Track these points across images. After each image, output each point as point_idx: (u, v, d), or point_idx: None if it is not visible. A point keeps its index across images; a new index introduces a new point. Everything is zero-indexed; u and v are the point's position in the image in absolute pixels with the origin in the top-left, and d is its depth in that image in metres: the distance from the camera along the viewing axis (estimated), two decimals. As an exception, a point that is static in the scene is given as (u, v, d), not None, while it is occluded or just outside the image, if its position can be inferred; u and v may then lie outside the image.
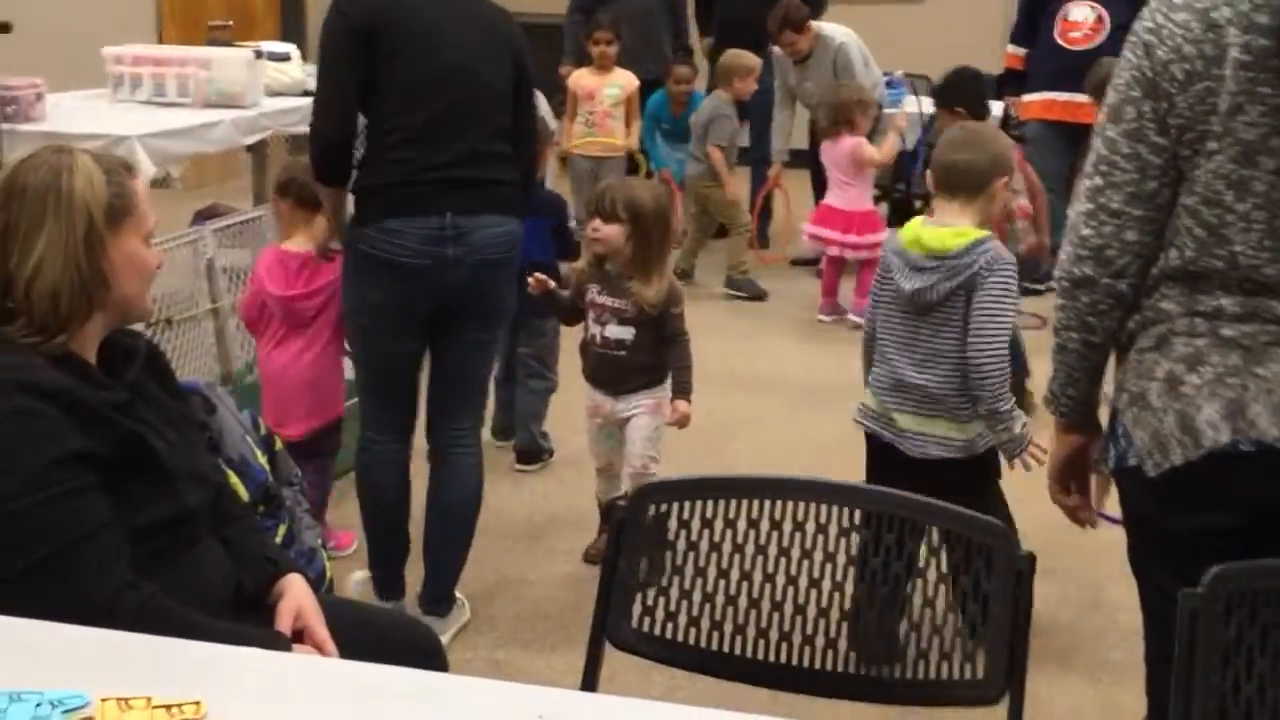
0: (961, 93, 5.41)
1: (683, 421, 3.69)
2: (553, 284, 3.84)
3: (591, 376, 3.83)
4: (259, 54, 5.27)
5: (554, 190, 5.08)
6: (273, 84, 5.39)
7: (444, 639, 3.28)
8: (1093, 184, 1.90)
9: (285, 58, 5.50)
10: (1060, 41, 6.66)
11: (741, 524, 1.94)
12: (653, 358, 3.73)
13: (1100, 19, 6.60)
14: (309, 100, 5.46)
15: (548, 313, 4.16)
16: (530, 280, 3.77)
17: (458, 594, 3.51)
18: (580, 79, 6.94)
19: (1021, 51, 6.98)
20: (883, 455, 3.30)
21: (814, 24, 7.05)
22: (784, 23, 6.95)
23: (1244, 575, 1.69)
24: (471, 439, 3.42)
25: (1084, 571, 3.82)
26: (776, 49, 7.15)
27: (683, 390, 3.69)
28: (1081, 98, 6.60)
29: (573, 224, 4.78)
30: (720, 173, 6.86)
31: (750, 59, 6.96)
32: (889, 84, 7.60)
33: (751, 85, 6.96)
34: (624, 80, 6.94)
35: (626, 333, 3.70)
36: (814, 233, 6.58)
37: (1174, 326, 1.88)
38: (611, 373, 3.74)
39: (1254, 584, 1.68)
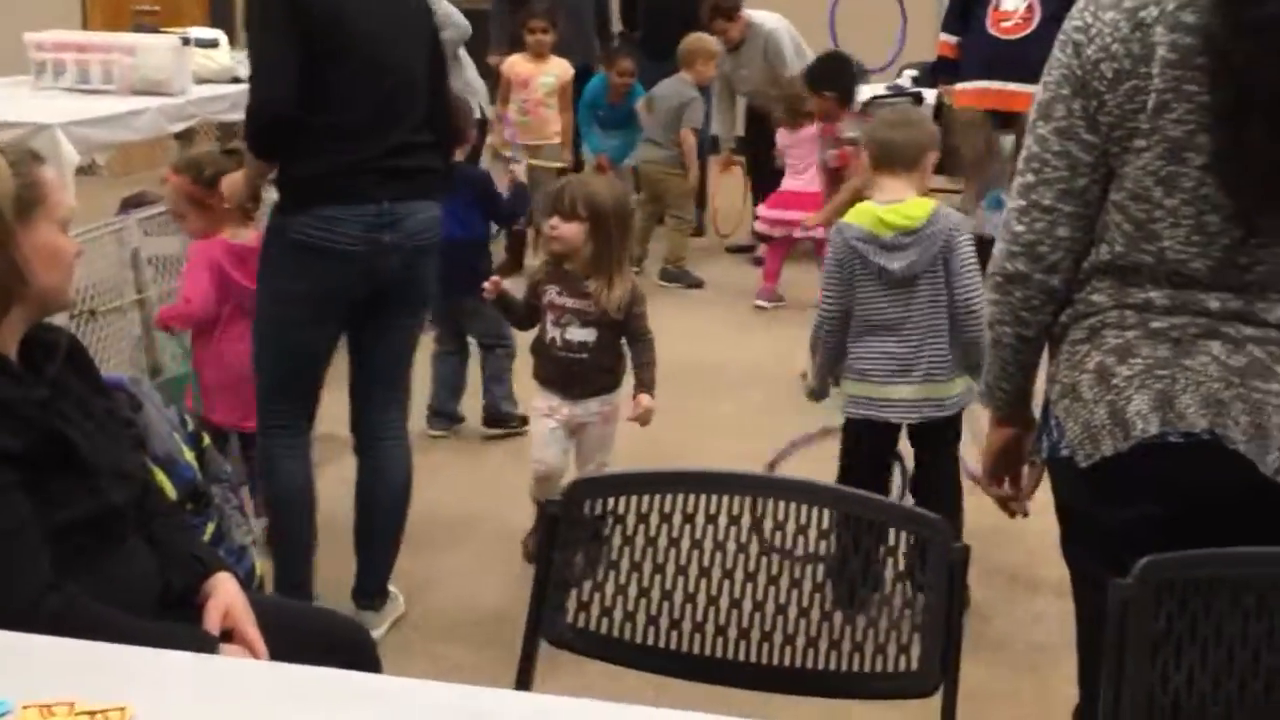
0: (830, 77, 5.43)
1: (645, 417, 3.59)
2: (505, 286, 3.74)
3: (547, 379, 3.70)
4: (186, 40, 5.19)
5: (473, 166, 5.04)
6: (200, 71, 5.32)
7: (378, 633, 3.27)
8: (1024, 181, 1.91)
9: (213, 44, 5.43)
10: (992, 31, 6.70)
11: (677, 518, 1.93)
12: (613, 360, 3.65)
13: (1031, 8, 6.64)
14: (238, 87, 5.43)
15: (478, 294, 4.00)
16: (485, 286, 3.70)
17: (390, 587, 3.48)
18: (514, 66, 6.88)
19: (954, 39, 7.02)
20: (871, 436, 3.53)
21: (745, 11, 7.05)
22: (715, 10, 6.96)
23: (1174, 565, 1.70)
24: (400, 427, 3.40)
25: (1020, 556, 3.85)
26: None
27: (646, 386, 3.59)
28: (1014, 86, 6.67)
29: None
30: (689, 159, 6.86)
31: (712, 42, 6.96)
32: None
33: (713, 69, 6.96)
34: (559, 69, 6.90)
35: (588, 335, 3.59)
36: (775, 217, 6.62)
37: (1105, 319, 1.90)
38: (571, 376, 3.63)
39: (1183, 574, 1.70)
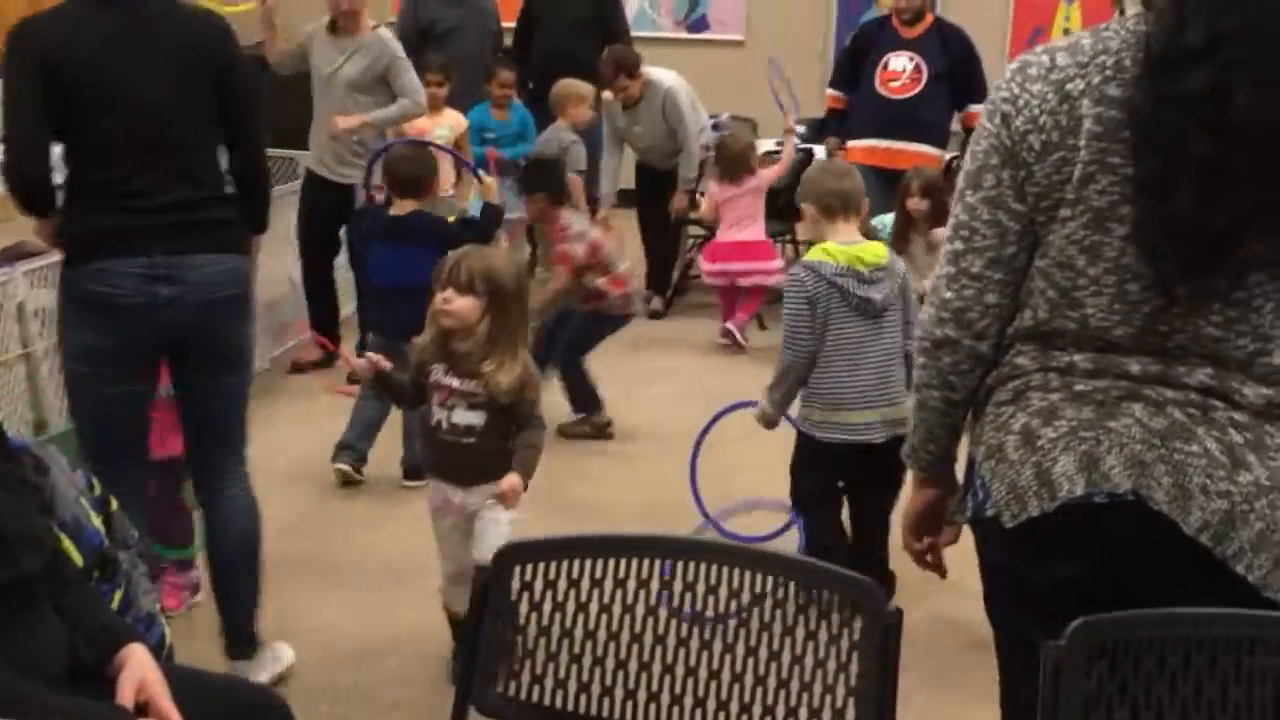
0: (541, 181, 5.63)
1: (509, 499, 3.22)
2: (386, 365, 3.45)
3: (435, 466, 3.42)
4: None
5: (442, 218, 4.97)
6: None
7: (263, 678, 3.23)
8: (953, 248, 1.94)
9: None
10: (881, 90, 6.86)
11: (608, 583, 1.91)
12: (504, 443, 3.31)
13: (919, 68, 6.80)
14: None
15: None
16: (364, 361, 3.49)
17: (277, 641, 3.47)
18: (409, 119, 6.82)
19: (841, 95, 7.16)
20: (835, 459, 3.83)
21: (643, 69, 7.11)
22: (619, 68, 7.00)
23: (1105, 627, 1.73)
24: (241, 477, 3.36)
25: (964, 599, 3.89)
26: (606, 93, 7.19)
27: (521, 466, 3.25)
28: (900, 145, 6.83)
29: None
30: (579, 202, 6.87)
31: (583, 85, 6.98)
32: (715, 126, 7.71)
33: (587, 112, 6.97)
34: (453, 121, 6.87)
35: (476, 418, 3.27)
36: (718, 269, 6.85)
37: (1030, 381, 1.93)
38: (460, 462, 3.32)
39: (1115, 635, 1.73)
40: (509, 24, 7.96)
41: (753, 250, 6.82)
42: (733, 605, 1.92)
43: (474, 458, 3.28)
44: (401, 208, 4.75)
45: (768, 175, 6.89)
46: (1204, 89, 1.72)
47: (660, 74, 7.20)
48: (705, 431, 4.47)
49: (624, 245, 7.55)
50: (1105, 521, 1.86)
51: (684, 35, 10.06)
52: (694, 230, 7.81)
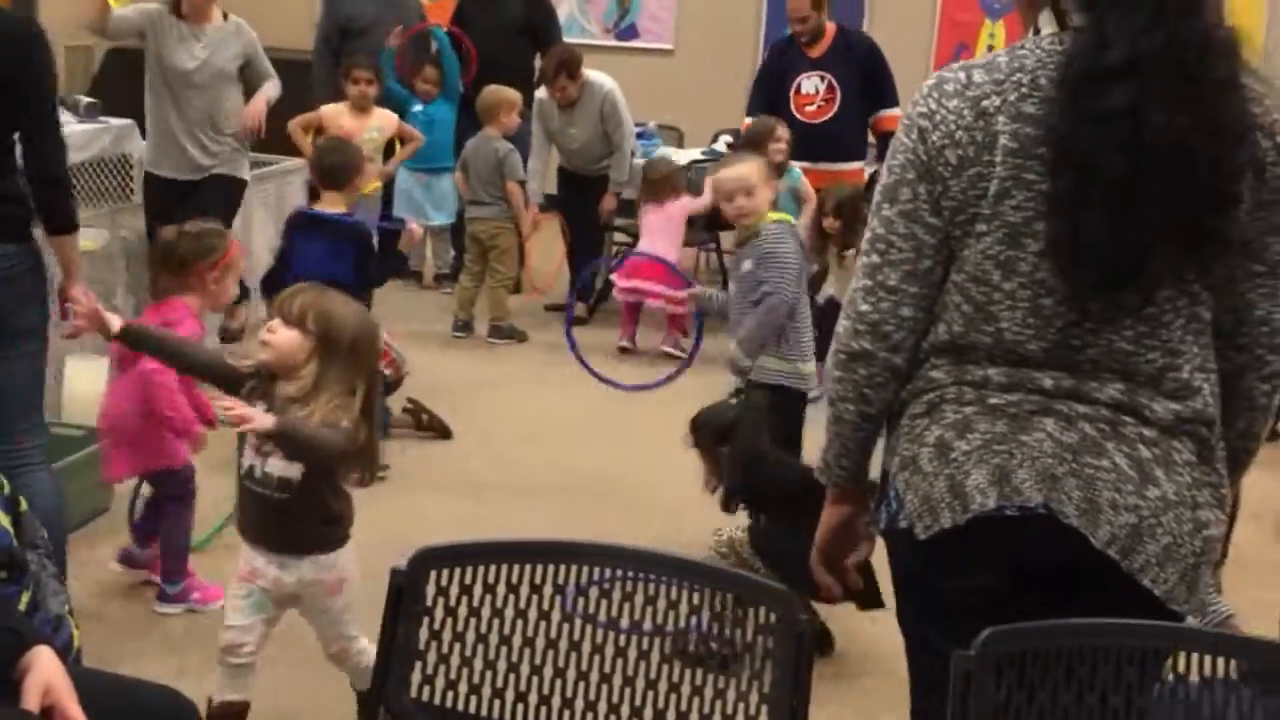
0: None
1: (243, 421, 2.75)
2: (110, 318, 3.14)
3: (247, 527, 2.98)
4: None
5: (361, 221, 4.98)
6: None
7: None
8: (869, 261, 1.96)
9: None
10: (798, 115, 6.83)
11: (524, 589, 1.91)
12: (325, 509, 2.93)
13: (831, 87, 6.80)
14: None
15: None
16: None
17: None
18: (337, 118, 6.74)
19: None
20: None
21: (583, 70, 7.09)
22: (560, 68, 6.96)
23: (1014, 637, 1.76)
24: (40, 453, 3.40)
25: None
26: (540, 93, 7.17)
27: (296, 426, 2.81)
28: (825, 165, 6.78)
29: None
30: (519, 213, 6.86)
31: (512, 93, 6.94)
32: (640, 134, 7.72)
33: (516, 120, 6.94)
34: (383, 121, 6.81)
35: (293, 471, 2.87)
36: (633, 286, 6.77)
37: (944, 394, 1.95)
38: (271, 523, 2.91)
39: (1023, 645, 1.76)
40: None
41: (662, 271, 6.66)
42: (649, 613, 1.93)
43: (288, 521, 2.90)
44: (327, 202, 4.75)
45: (693, 204, 6.69)
46: (1123, 106, 1.75)
47: (598, 76, 7.19)
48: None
49: (549, 249, 7.62)
50: (1016, 534, 1.89)
51: (613, 43, 10.04)
52: (619, 237, 7.82)
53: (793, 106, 6.85)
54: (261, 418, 2.77)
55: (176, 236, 3.82)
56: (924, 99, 1.92)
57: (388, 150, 6.96)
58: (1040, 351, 1.88)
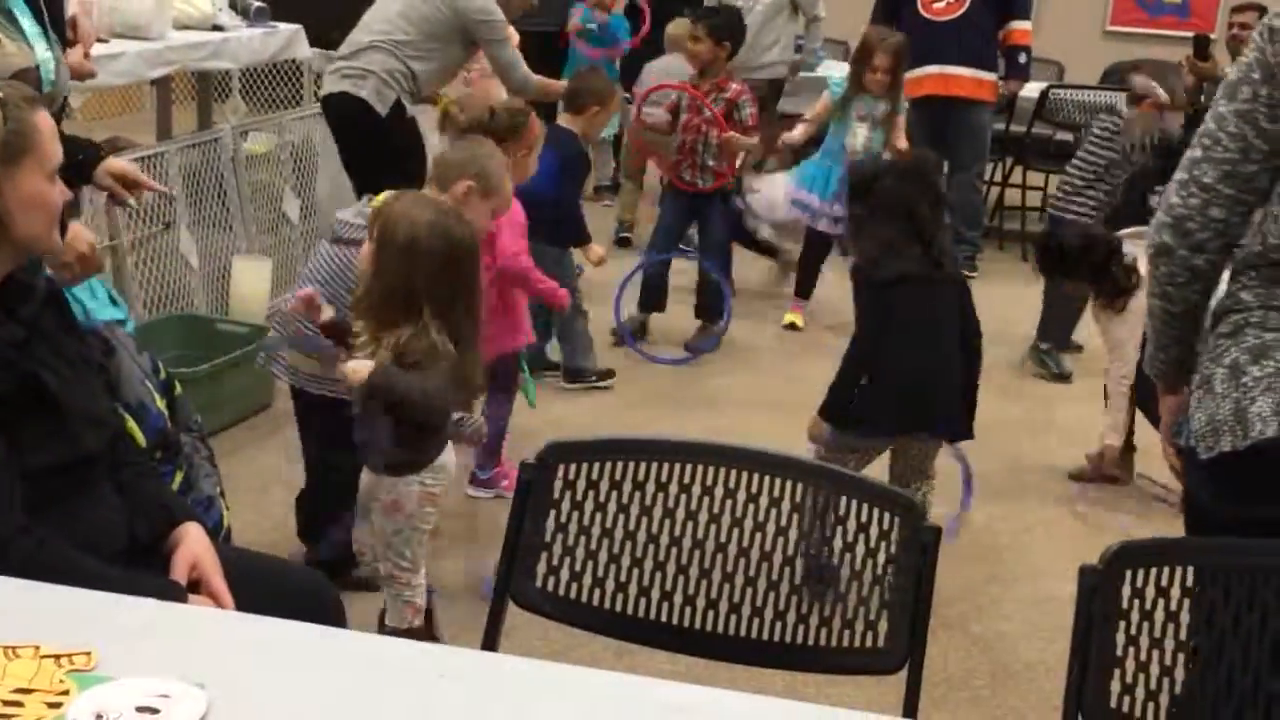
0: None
1: (351, 374, 2.62)
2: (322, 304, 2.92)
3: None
4: (167, -15, 5.13)
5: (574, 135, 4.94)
6: (181, 17, 5.26)
7: None
8: (1192, 155, 1.91)
9: (194, -10, 5.37)
10: (924, 14, 6.50)
11: (650, 487, 1.93)
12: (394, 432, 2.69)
13: None
14: (219, 35, 5.37)
15: None
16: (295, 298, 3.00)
17: None
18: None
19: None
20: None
21: None
22: None
23: (1141, 552, 1.72)
24: None
25: (983, 541, 3.88)
26: None
27: (393, 376, 2.58)
28: (951, 69, 6.45)
29: None
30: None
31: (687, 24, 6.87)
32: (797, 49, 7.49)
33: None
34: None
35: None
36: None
37: (1249, 317, 1.90)
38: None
39: (1149, 560, 1.71)
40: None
41: None
42: (773, 516, 1.92)
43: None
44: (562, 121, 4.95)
45: None
46: None
47: None
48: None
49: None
50: None
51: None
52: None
53: (920, 5, 6.52)
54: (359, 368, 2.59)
55: (490, 115, 3.91)
56: None
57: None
58: None
